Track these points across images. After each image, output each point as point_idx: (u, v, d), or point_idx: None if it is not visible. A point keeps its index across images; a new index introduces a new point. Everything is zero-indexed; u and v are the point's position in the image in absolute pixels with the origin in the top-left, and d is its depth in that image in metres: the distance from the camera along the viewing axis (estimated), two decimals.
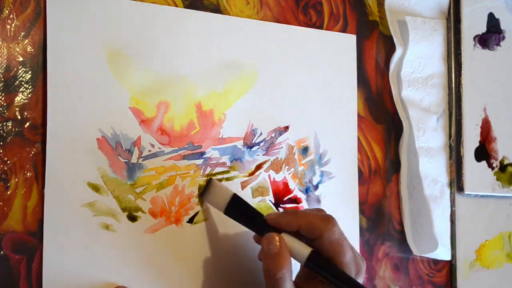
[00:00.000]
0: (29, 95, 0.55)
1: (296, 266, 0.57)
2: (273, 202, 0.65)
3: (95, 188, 0.57)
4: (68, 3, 0.57)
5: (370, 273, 0.71)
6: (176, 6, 0.62)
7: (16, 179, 0.54)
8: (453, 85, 0.76)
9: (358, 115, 0.72)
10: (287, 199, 0.66)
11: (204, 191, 0.60)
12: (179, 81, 0.61)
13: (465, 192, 0.75)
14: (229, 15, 0.65)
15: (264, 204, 0.65)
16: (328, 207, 0.68)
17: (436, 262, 0.76)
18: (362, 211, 0.71)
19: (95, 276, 0.56)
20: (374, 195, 0.72)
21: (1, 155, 0.54)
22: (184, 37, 0.62)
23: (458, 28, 0.77)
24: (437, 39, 0.76)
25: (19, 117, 0.54)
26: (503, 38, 0.81)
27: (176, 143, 0.61)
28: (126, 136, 0.58)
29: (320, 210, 0.59)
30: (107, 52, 0.58)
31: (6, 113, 0.54)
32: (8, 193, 0.54)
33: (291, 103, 0.67)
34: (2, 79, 0.54)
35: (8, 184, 0.54)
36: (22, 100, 0.55)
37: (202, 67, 0.62)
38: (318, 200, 0.68)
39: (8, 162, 0.54)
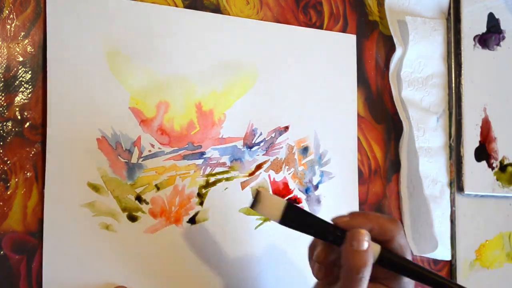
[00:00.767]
0: (29, 95, 0.55)
1: None
2: None
3: (95, 188, 0.57)
4: (68, 3, 0.57)
5: None
6: (176, 6, 0.62)
7: (16, 179, 0.54)
8: (453, 85, 0.76)
9: (358, 115, 0.72)
10: (287, 199, 0.66)
11: (255, 201, 0.57)
12: (179, 81, 0.61)
13: (465, 192, 0.75)
14: (229, 15, 0.65)
15: None
16: (328, 207, 0.68)
17: (436, 262, 0.76)
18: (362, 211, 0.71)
19: (95, 276, 0.56)
20: (374, 195, 0.72)
21: (1, 155, 0.54)
22: (184, 37, 0.62)
23: (458, 28, 0.77)
24: (437, 39, 0.76)
25: (19, 117, 0.54)
26: (503, 38, 0.81)
27: (176, 143, 0.61)
28: (126, 136, 0.58)
29: (378, 213, 0.57)
30: (107, 52, 0.58)
31: (6, 113, 0.54)
32: (8, 193, 0.54)
33: (291, 103, 0.67)
34: (2, 79, 0.54)
35: (8, 184, 0.54)
36: (22, 100, 0.55)
37: (202, 67, 0.62)
38: (318, 200, 0.68)
39: (8, 162, 0.54)
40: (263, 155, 0.65)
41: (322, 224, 0.54)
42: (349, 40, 0.72)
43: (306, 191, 0.67)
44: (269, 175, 0.65)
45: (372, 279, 0.54)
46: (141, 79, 0.59)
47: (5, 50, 0.54)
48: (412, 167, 0.73)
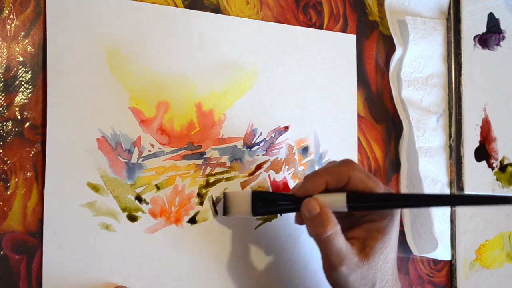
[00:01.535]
0: (29, 95, 0.55)
1: None
2: None
3: (95, 188, 0.57)
4: (68, 3, 0.57)
5: None
6: (176, 6, 0.62)
7: (16, 179, 0.54)
8: (453, 85, 0.76)
9: (358, 115, 0.72)
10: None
11: (225, 207, 0.60)
12: (179, 81, 0.61)
13: (465, 192, 0.75)
14: (229, 15, 0.65)
15: None
16: None
17: (436, 262, 0.76)
18: None
19: (95, 276, 0.56)
20: None
21: (1, 155, 0.54)
22: (183, 37, 0.62)
23: (458, 28, 0.77)
24: (437, 39, 0.76)
25: (19, 117, 0.54)
26: (503, 38, 0.81)
27: (176, 143, 0.61)
28: (126, 136, 0.58)
29: (334, 161, 0.58)
30: (107, 52, 0.58)
31: (6, 113, 0.54)
32: (8, 193, 0.54)
33: (291, 103, 0.67)
34: (2, 79, 0.54)
35: (8, 184, 0.54)
36: (22, 100, 0.55)
37: (202, 67, 0.62)
38: None
39: (8, 162, 0.54)
40: (263, 155, 0.65)
41: (287, 200, 0.57)
42: (349, 40, 0.72)
43: None
44: (269, 175, 0.65)
45: (360, 222, 0.56)
46: (141, 79, 0.59)
47: (5, 50, 0.54)
48: (412, 167, 0.73)
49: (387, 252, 0.56)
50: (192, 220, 0.61)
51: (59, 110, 0.55)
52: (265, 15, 0.67)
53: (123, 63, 0.59)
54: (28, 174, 0.54)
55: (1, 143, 0.54)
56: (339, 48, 0.71)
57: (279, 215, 0.65)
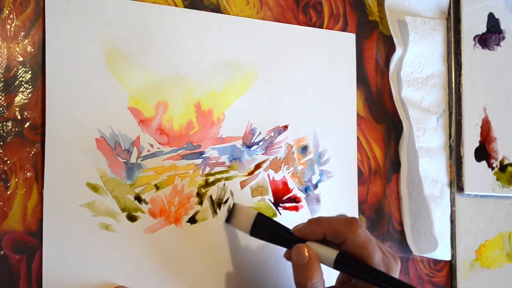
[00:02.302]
0: (29, 95, 0.55)
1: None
2: (273, 201, 0.65)
3: (94, 188, 0.57)
4: (67, 3, 0.57)
5: None
6: (176, 6, 0.62)
7: (16, 179, 0.54)
8: (453, 85, 0.76)
9: (358, 115, 0.72)
10: (287, 198, 0.66)
11: (229, 216, 0.61)
12: (178, 81, 0.61)
13: (465, 192, 0.75)
14: (229, 15, 0.65)
15: (263, 203, 0.65)
16: (327, 206, 0.68)
17: (436, 262, 0.76)
18: (362, 211, 0.71)
19: (95, 276, 0.56)
20: (374, 195, 0.72)
21: (1, 155, 0.54)
22: (183, 36, 0.62)
23: (458, 28, 0.77)
24: (437, 39, 0.76)
25: (19, 117, 0.55)
26: (503, 38, 0.81)
27: (175, 143, 0.61)
28: (125, 136, 0.58)
29: (343, 215, 0.59)
30: (106, 52, 0.58)
31: (6, 113, 0.54)
32: (8, 193, 0.54)
33: (290, 102, 0.67)
34: (2, 79, 0.54)
35: (8, 184, 0.54)
36: (22, 100, 0.55)
37: (201, 66, 0.62)
38: (318, 199, 0.68)
39: (8, 162, 0.54)
40: (262, 154, 0.65)
41: (285, 234, 0.58)
42: (348, 39, 0.72)
43: (306, 190, 0.67)
44: (268, 175, 0.65)
45: (344, 282, 0.55)
46: (140, 79, 0.59)
47: (5, 50, 0.55)
48: (412, 167, 0.73)
49: None
50: (192, 220, 0.61)
51: (58, 110, 0.55)
52: (265, 15, 0.67)
53: (123, 63, 0.59)
54: (28, 174, 0.54)
55: (1, 143, 0.54)
56: (338, 47, 0.71)
57: (278, 214, 0.65)
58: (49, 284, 0.54)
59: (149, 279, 0.58)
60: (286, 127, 0.66)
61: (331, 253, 0.55)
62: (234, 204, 0.61)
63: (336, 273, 0.59)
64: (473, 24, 0.78)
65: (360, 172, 0.71)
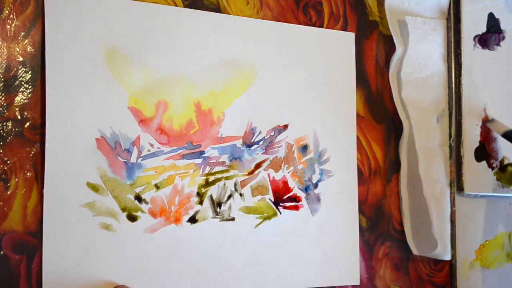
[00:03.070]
0: (29, 95, 0.55)
1: None
2: (273, 200, 0.65)
3: (95, 188, 0.57)
4: (67, 3, 0.57)
5: (370, 273, 0.71)
6: (176, 6, 0.62)
7: (16, 179, 0.54)
8: (453, 85, 0.76)
9: (358, 115, 0.72)
10: (287, 197, 0.66)
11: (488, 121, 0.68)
12: (178, 81, 0.61)
13: (465, 192, 0.75)
14: (229, 15, 0.65)
15: (264, 202, 0.65)
16: (327, 205, 0.68)
17: (436, 262, 0.76)
18: (362, 211, 0.71)
19: (95, 276, 0.56)
20: (374, 195, 0.72)
21: (1, 155, 0.54)
22: (182, 36, 0.62)
23: (458, 28, 0.77)
24: (437, 39, 0.76)
25: (19, 117, 0.55)
26: (503, 38, 0.80)
27: (175, 143, 0.61)
28: (125, 136, 0.58)
29: None
30: (106, 52, 0.58)
31: (6, 113, 0.54)
32: (8, 193, 0.54)
33: (290, 101, 0.67)
34: (2, 79, 0.54)
35: (8, 184, 0.54)
36: (22, 100, 0.55)
37: (201, 66, 0.62)
38: (318, 199, 0.68)
39: (8, 162, 0.54)
40: (262, 153, 0.65)
41: None
42: (348, 38, 0.72)
43: (306, 189, 0.67)
44: (268, 174, 0.65)
45: None
46: (140, 79, 0.59)
47: (5, 50, 0.55)
48: (412, 167, 0.73)
49: None
50: (192, 220, 0.61)
51: (58, 110, 0.55)
52: (265, 15, 0.67)
53: (122, 63, 0.59)
54: (28, 174, 0.55)
55: (1, 143, 0.54)
56: (338, 46, 0.71)
57: (278, 213, 0.65)
58: (49, 284, 0.54)
59: (149, 279, 0.58)
60: (286, 126, 0.66)
61: None
62: (493, 119, 0.68)
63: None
64: (473, 24, 0.78)
65: (360, 172, 0.71)
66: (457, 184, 0.75)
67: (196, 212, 0.61)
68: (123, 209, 0.58)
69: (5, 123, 0.54)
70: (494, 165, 0.78)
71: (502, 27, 0.81)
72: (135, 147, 0.59)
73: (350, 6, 0.73)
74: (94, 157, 0.57)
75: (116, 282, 0.57)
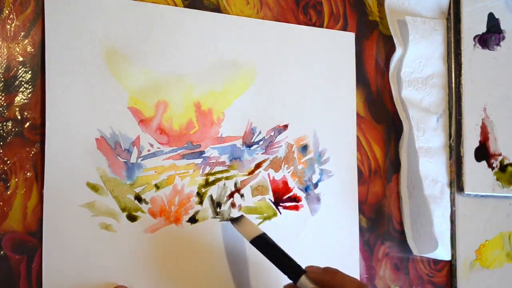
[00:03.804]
0: (29, 95, 0.55)
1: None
2: (273, 200, 0.65)
3: (95, 188, 0.57)
4: (67, 3, 0.57)
5: (370, 273, 0.71)
6: (176, 6, 0.62)
7: (16, 179, 0.54)
8: (453, 85, 0.76)
9: (358, 115, 0.72)
10: (287, 197, 0.66)
11: (236, 220, 0.61)
12: (178, 81, 0.61)
13: (465, 192, 0.75)
14: (229, 14, 0.65)
15: (264, 203, 0.65)
16: (327, 205, 0.68)
17: (436, 262, 0.76)
18: (362, 211, 0.71)
19: (95, 276, 0.56)
20: (374, 195, 0.72)
21: (1, 155, 0.54)
22: (182, 36, 0.62)
23: (458, 28, 0.77)
24: (437, 39, 0.76)
25: (19, 117, 0.55)
26: (503, 38, 0.81)
27: (175, 143, 0.61)
28: (125, 136, 0.58)
29: (357, 281, 0.58)
30: (106, 52, 0.58)
31: (6, 113, 0.54)
32: (8, 193, 0.54)
33: (289, 101, 0.67)
34: (2, 79, 0.54)
35: (8, 184, 0.54)
36: (22, 100, 0.55)
37: (201, 66, 0.62)
38: (318, 199, 0.68)
39: (8, 162, 0.54)
40: (262, 153, 0.65)
41: (288, 260, 0.58)
42: (348, 38, 0.72)
43: (306, 189, 0.67)
44: (268, 174, 0.65)
45: None
46: (139, 79, 0.59)
47: (5, 50, 0.55)
48: (412, 167, 0.73)
49: None
50: (192, 220, 0.61)
51: (58, 110, 0.55)
52: (265, 15, 0.67)
53: (122, 63, 0.59)
54: (28, 174, 0.55)
55: (1, 143, 0.54)
56: (337, 46, 0.71)
57: (278, 213, 0.65)
58: (49, 284, 0.54)
59: (149, 279, 0.58)
60: (286, 126, 0.66)
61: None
62: (243, 215, 0.62)
63: None
64: (473, 24, 0.78)
65: (360, 172, 0.71)
66: (457, 184, 0.75)
67: (196, 212, 0.61)
68: (123, 209, 0.58)
69: (5, 123, 0.54)
70: (494, 165, 0.78)
71: (502, 27, 0.81)
72: (135, 147, 0.59)
73: (350, 6, 0.73)
74: (94, 157, 0.57)
75: (116, 282, 0.57)
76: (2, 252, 0.53)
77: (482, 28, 0.79)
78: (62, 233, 0.55)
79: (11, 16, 0.55)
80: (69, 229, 0.55)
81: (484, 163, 0.77)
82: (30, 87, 0.55)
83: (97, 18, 0.58)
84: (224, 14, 0.65)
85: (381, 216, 0.73)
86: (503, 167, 0.78)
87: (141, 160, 0.59)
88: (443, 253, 0.73)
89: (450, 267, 0.76)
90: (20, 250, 0.54)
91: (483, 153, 0.77)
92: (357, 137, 0.71)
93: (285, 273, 0.58)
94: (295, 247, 0.66)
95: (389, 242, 0.73)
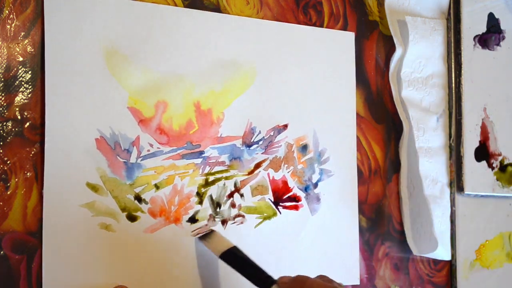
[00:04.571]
0: (29, 95, 0.55)
1: None
2: (273, 200, 0.65)
3: (94, 188, 0.57)
4: (66, 3, 0.57)
5: (370, 273, 0.71)
6: (176, 6, 0.62)
7: (16, 179, 0.54)
8: (453, 85, 0.76)
9: (358, 115, 0.72)
10: (287, 197, 0.66)
11: (204, 237, 0.60)
12: (178, 80, 0.61)
13: (465, 192, 0.75)
14: (229, 14, 0.65)
15: (263, 202, 0.65)
16: (327, 205, 0.68)
17: (436, 262, 0.76)
18: (362, 211, 0.71)
19: (95, 276, 0.56)
20: (374, 195, 0.72)
21: (1, 155, 0.54)
22: (182, 36, 0.62)
23: (458, 28, 0.77)
24: (437, 39, 0.76)
25: (19, 117, 0.55)
26: (503, 38, 0.81)
27: (174, 143, 0.61)
28: (125, 136, 0.58)
29: (330, 281, 0.58)
30: (106, 52, 0.58)
31: (6, 113, 0.54)
32: (8, 193, 0.54)
33: (289, 101, 0.67)
34: (2, 79, 0.54)
35: (8, 184, 0.54)
36: (22, 100, 0.55)
37: (200, 66, 0.62)
38: (318, 198, 0.68)
39: (8, 162, 0.54)
40: (262, 153, 0.65)
41: (259, 273, 0.58)
42: (347, 37, 0.72)
43: (306, 189, 0.67)
44: (268, 174, 0.65)
45: None
46: (139, 79, 0.59)
47: (5, 50, 0.55)
48: (412, 167, 0.73)
49: None
50: (192, 220, 0.61)
51: (58, 110, 0.55)
52: (265, 15, 0.67)
53: (122, 63, 0.59)
54: (28, 174, 0.55)
55: (1, 143, 0.54)
56: (337, 46, 0.71)
57: (278, 213, 0.65)
58: (49, 284, 0.54)
59: (149, 279, 0.58)
60: (285, 126, 0.66)
61: None
62: (212, 230, 0.61)
63: None
64: (473, 24, 0.78)
65: (360, 172, 0.71)
66: (457, 184, 0.76)
67: (196, 212, 0.61)
68: (123, 209, 0.58)
69: (5, 123, 0.54)
70: (494, 165, 0.78)
71: (502, 27, 0.81)
72: (134, 147, 0.59)
73: (350, 6, 0.73)
74: (94, 157, 0.57)
75: (116, 282, 0.57)
76: (2, 252, 0.53)
77: (482, 28, 0.79)
78: (62, 233, 0.55)
79: (11, 16, 0.55)
80: (69, 229, 0.55)
81: (484, 163, 0.77)
82: (30, 87, 0.55)
83: (97, 18, 0.58)
84: (224, 14, 0.65)
85: (381, 216, 0.73)
86: (503, 167, 0.78)
87: (141, 160, 0.59)
88: (443, 253, 0.73)
89: (450, 267, 0.76)
90: (20, 250, 0.54)
91: (483, 153, 0.77)
92: (357, 137, 0.71)
93: (256, 285, 0.57)
94: (295, 247, 0.66)
95: (389, 242, 0.73)
